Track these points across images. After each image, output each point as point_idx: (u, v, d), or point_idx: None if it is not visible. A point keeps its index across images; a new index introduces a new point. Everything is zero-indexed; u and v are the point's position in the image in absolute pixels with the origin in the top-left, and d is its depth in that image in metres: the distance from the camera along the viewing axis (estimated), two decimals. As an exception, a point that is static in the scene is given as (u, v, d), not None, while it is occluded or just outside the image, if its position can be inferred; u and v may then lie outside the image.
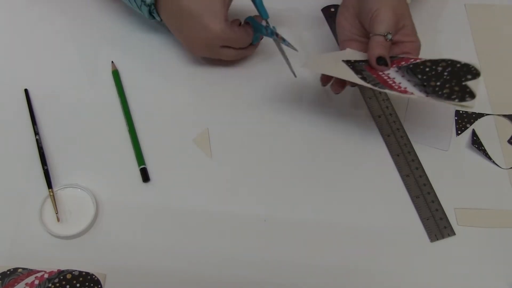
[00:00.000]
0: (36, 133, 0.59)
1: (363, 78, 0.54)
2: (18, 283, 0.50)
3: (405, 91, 0.53)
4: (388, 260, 0.55)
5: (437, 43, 0.69)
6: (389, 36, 0.55)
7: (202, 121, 0.61)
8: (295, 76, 0.62)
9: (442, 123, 0.63)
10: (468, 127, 0.63)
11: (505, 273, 0.54)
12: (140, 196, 0.56)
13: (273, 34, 0.60)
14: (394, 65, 0.56)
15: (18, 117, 0.60)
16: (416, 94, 0.53)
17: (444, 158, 0.61)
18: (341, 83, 0.58)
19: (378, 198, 0.58)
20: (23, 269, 0.51)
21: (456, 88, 0.53)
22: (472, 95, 0.52)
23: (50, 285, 0.51)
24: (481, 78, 0.53)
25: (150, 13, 0.61)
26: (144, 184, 0.57)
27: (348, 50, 0.59)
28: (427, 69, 0.55)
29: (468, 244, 0.56)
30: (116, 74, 0.63)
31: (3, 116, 0.60)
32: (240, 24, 0.61)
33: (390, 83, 0.54)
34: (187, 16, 0.58)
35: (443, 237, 0.56)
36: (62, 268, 0.52)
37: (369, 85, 0.53)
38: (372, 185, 0.59)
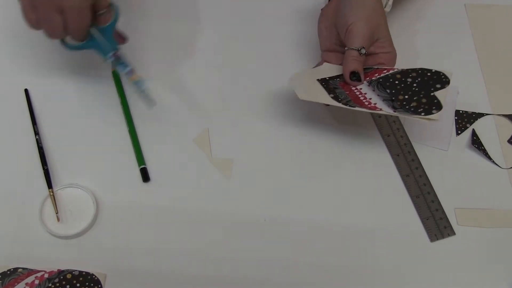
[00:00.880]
0: (36, 133, 0.59)
1: (335, 97, 0.55)
2: (18, 283, 0.50)
3: (374, 108, 0.54)
4: (388, 260, 0.55)
5: (437, 43, 0.69)
6: (363, 51, 0.56)
7: (202, 121, 0.61)
8: (152, 105, 0.58)
9: (442, 123, 0.63)
10: (468, 127, 0.63)
11: (505, 273, 0.54)
12: (140, 196, 0.56)
13: (125, 68, 0.56)
14: (367, 78, 0.56)
15: (18, 117, 0.60)
16: (385, 110, 0.53)
17: (444, 158, 0.61)
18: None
19: (378, 198, 0.58)
20: (23, 269, 0.51)
21: (424, 100, 0.53)
22: (439, 107, 0.52)
23: (50, 285, 0.51)
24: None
25: None
26: (144, 184, 0.57)
27: (325, 64, 0.59)
28: (397, 82, 0.55)
29: (468, 244, 0.56)
30: (115, 74, 0.63)
31: (3, 116, 0.60)
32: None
33: (362, 99, 0.55)
34: None
35: (443, 237, 0.56)
36: (62, 268, 0.52)
37: (340, 104, 0.54)
38: (372, 185, 0.59)
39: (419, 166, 0.60)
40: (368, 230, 0.56)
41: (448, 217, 0.57)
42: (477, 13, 0.73)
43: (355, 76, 0.56)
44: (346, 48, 0.56)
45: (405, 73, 0.56)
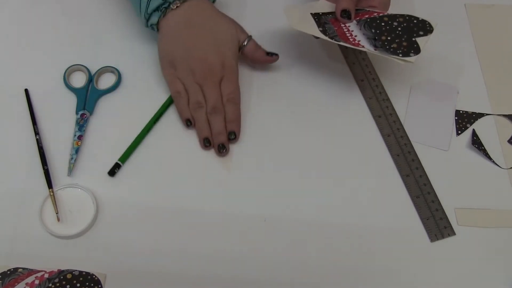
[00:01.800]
0: (36, 133, 0.59)
1: (324, 31, 0.58)
2: (18, 283, 0.51)
3: (357, 44, 0.57)
4: (388, 260, 0.55)
5: (437, 43, 0.69)
6: None
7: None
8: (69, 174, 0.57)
9: (442, 123, 0.63)
10: (468, 127, 0.63)
11: (505, 273, 0.54)
12: (140, 196, 0.56)
13: (79, 132, 0.59)
14: (357, 18, 0.59)
15: (18, 117, 0.60)
16: (366, 47, 0.56)
17: (444, 158, 0.61)
18: None
19: (378, 198, 0.58)
20: (23, 269, 0.51)
21: (404, 43, 0.56)
22: (417, 51, 0.55)
23: (50, 285, 0.51)
24: (433, 36, 0.56)
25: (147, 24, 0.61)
26: (144, 184, 0.57)
27: (321, 1, 0.62)
28: (383, 24, 0.58)
29: (468, 244, 0.56)
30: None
31: (3, 116, 0.60)
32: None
33: (348, 36, 0.58)
34: (206, 31, 0.59)
35: (443, 237, 0.56)
36: (62, 268, 0.52)
37: (327, 38, 0.58)
38: (372, 185, 0.59)
39: (419, 166, 0.60)
40: (368, 230, 0.56)
41: (448, 217, 0.57)
42: (477, 13, 0.73)
43: (345, 14, 0.58)
44: None
45: (393, 17, 0.59)
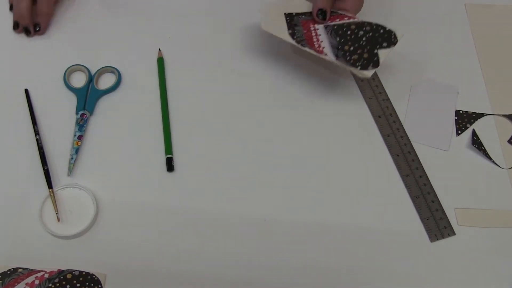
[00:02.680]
0: (36, 133, 0.59)
1: (292, 34, 0.59)
2: (18, 283, 0.50)
3: (321, 52, 0.57)
4: (388, 260, 0.55)
5: (437, 43, 0.69)
6: None
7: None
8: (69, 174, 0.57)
9: (442, 123, 0.63)
10: (468, 127, 0.63)
11: (505, 273, 0.54)
12: (140, 196, 0.56)
13: (79, 132, 0.59)
14: (329, 21, 0.59)
15: (18, 117, 0.60)
16: (329, 56, 0.57)
17: (444, 158, 0.61)
18: None
19: (378, 198, 0.58)
20: (23, 269, 0.51)
21: (365, 55, 0.56)
22: (376, 64, 0.56)
23: (50, 285, 0.51)
24: (396, 48, 0.57)
25: None
26: (144, 184, 0.57)
27: None
28: (349, 32, 0.58)
29: (468, 244, 0.56)
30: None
31: (3, 116, 0.60)
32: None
33: (314, 41, 0.58)
34: None
35: (443, 237, 0.56)
36: (62, 268, 0.52)
37: (293, 42, 0.58)
38: (372, 185, 0.59)
39: (419, 166, 0.60)
40: (368, 230, 0.56)
41: (448, 217, 0.57)
42: (477, 13, 0.73)
43: (322, 14, 0.59)
44: None
45: (360, 25, 0.59)
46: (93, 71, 0.64)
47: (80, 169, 0.58)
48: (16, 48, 0.66)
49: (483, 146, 0.62)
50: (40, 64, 0.65)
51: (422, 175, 0.59)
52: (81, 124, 0.59)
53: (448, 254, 0.55)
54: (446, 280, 0.54)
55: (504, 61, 0.68)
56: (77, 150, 0.58)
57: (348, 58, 0.56)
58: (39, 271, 0.51)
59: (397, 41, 0.57)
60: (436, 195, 0.58)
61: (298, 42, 0.57)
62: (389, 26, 0.58)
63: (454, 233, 0.56)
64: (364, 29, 0.58)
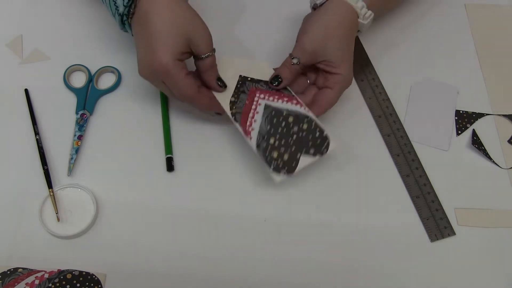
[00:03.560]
0: (36, 133, 0.59)
1: (234, 102, 0.55)
2: (18, 283, 0.51)
3: (248, 133, 0.54)
4: (388, 260, 0.55)
5: (437, 43, 0.69)
6: (295, 60, 0.56)
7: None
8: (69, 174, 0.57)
9: (442, 123, 0.63)
10: (468, 127, 0.63)
11: (505, 273, 0.54)
12: (140, 196, 0.56)
13: (79, 131, 0.58)
14: (276, 96, 0.56)
15: (18, 117, 0.60)
16: (253, 141, 0.53)
17: (444, 158, 0.61)
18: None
19: (378, 198, 0.58)
20: (23, 269, 0.51)
21: (285, 157, 0.53)
22: (290, 171, 0.52)
23: (50, 285, 0.51)
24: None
25: (123, 23, 0.56)
26: (144, 184, 0.57)
27: (265, 63, 0.59)
28: (284, 124, 0.54)
29: (468, 244, 0.56)
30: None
31: (3, 116, 0.60)
32: (193, 78, 0.55)
33: (249, 117, 0.55)
34: (147, 34, 0.53)
35: (443, 237, 0.56)
36: (62, 268, 0.52)
37: (228, 112, 0.55)
38: (372, 185, 0.59)
39: (419, 166, 0.60)
40: (368, 230, 0.56)
41: (448, 217, 0.57)
42: (477, 13, 0.73)
43: (276, 81, 0.56)
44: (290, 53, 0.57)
45: (300, 120, 0.55)
46: (93, 71, 0.64)
47: (80, 169, 0.58)
48: (16, 48, 0.66)
49: (483, 146, 0.62)
50: (40, 64, 0.64)
51: (422, 175, 0.59)
52: (81, 124, 0.59)
53: (448, 254, 0.55)
54: (446, 280, 0.54)
55: (504, 61, 0.68)
56: (77, 150, 0.58)
57: (267, 153, 0.53)
58: (39, 271, 0.51)
59: (326, 152, 0.53)
60: (436, 195, 0.58)
61: (233, 114, 0.54)
62: (327, 131, 0.54)
63: (454, 233, 0.56)
64: (300, 125, 0.54)
